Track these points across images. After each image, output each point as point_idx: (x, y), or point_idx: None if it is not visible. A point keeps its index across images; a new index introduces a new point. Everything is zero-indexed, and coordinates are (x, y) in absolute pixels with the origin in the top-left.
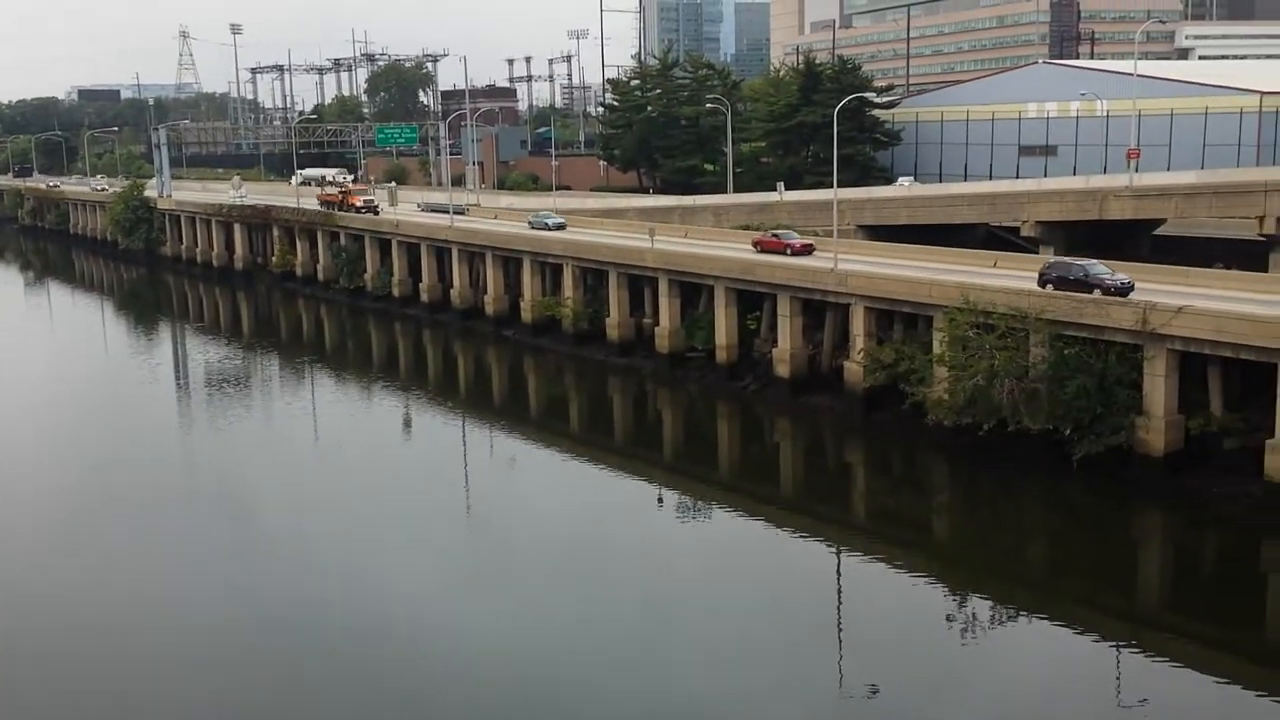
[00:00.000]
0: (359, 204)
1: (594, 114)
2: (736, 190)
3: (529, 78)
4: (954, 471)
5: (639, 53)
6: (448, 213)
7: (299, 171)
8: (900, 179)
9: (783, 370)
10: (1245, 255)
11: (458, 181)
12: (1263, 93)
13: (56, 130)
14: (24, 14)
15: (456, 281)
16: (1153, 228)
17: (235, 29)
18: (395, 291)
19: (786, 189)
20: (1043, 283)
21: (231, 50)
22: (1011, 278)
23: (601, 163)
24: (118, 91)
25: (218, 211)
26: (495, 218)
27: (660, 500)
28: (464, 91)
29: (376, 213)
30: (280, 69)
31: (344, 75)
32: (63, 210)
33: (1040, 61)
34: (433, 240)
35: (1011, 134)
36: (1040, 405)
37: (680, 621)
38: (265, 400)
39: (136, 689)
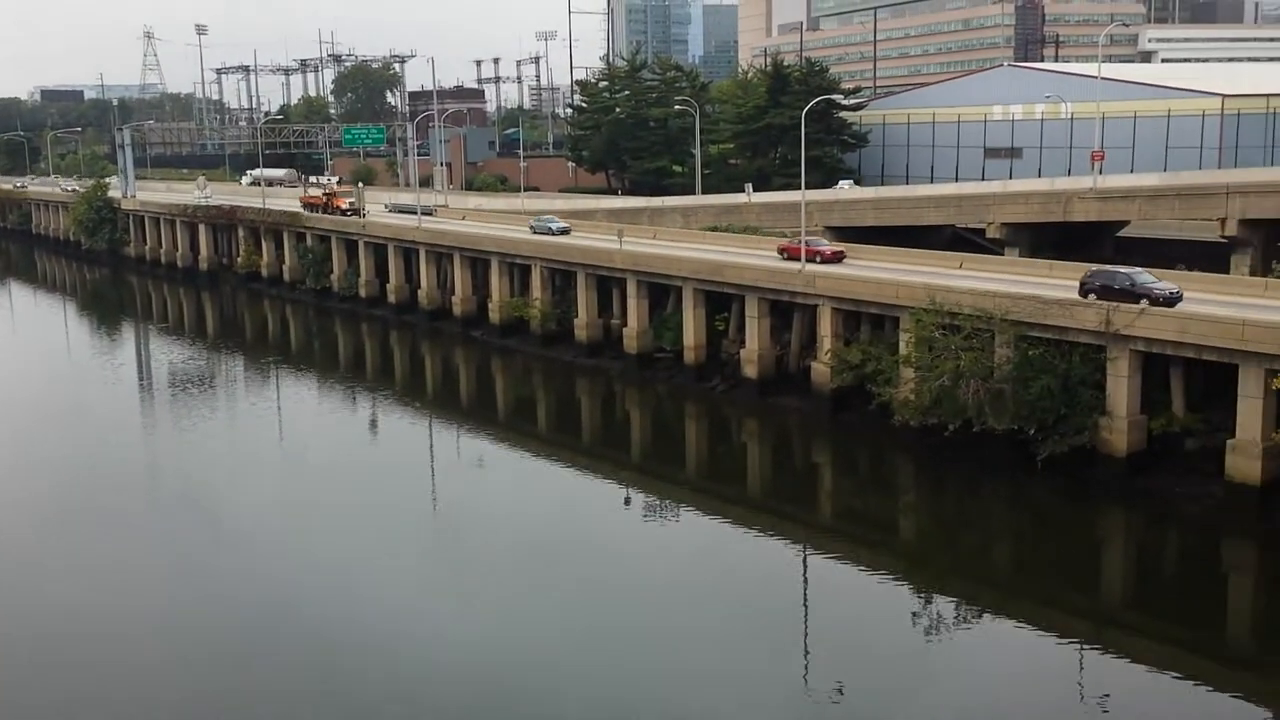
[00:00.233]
0: (344, 206)
1: (562, 115)
2: (705, 191)
3: (497, 79)
4: (920, 471)
5: (607, 54)
6: (416, 214)
7: (248, 172)
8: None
9: (751, 371)
10: (1207, 257)
11: (425, 182)
12: (1225, 95)
13: (19, 131)
14: None
15: (424, 282)
16: (1116, 229)
17: (200, 29)
18: (362, 292)
19: (755, 190)
20: (1084, 292)
21: (197, 50)
22: (977, 279)
23: (570, 164)
24: (81, 92)
25: (183, 212)
26: (463, 219)
27: (627, 500)
28: (432, 92)
29: (362, 216)
30: (246, 69)
31: (310, 76)
32: (25, 210)
33: (1005, 64)
34: (400, 241)
35: (977, 136)
36: (1005, 406)
37: (645, 621)
38: (230, 401)
39: (99, 693)
